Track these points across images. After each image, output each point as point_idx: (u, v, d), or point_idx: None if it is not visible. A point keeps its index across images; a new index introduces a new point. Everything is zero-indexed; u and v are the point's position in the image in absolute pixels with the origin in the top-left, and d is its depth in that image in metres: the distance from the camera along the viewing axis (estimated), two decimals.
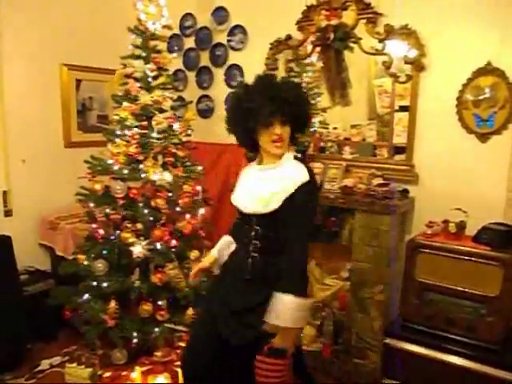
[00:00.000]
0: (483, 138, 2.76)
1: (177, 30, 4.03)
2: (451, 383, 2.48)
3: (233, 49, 3.83)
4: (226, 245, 2.16)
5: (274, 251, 1.89)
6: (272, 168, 1.94)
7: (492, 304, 2.42)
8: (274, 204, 1.83)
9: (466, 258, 2.48)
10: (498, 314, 2.42)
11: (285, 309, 1.76)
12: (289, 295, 1.76)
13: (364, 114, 3.27)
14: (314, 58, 3.38)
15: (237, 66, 3.80)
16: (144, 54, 2.85)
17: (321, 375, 3.04)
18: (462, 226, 2.60)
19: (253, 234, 1.92)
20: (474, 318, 2.48)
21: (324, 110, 3.45)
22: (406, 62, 2.92)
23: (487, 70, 2.69)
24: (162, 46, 2.98)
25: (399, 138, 3.03)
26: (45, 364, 3.06)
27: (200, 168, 3.03)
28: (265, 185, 1.91)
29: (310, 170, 1.90)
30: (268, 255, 1.91)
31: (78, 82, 3.88)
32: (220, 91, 3.91)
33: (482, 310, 2.46)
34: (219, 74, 3.94)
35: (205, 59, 4.01)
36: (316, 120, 3.47)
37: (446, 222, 2.66)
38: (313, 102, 3.42)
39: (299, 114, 1.93)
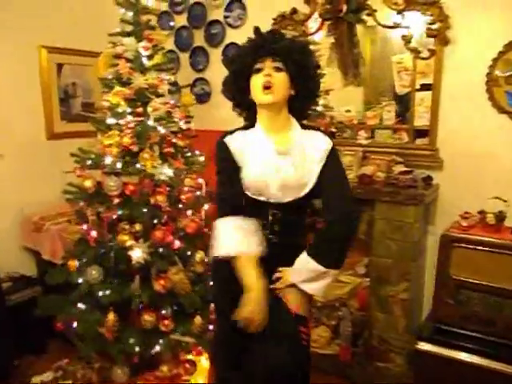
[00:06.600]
0: None
1: (166, 7, 3.72)
2: None
3: (230, 26, 3.56)
4: (252, 233, 1.76)
5: (294, 234, 1.82)
6: (290, 147, 1.77)
7: None
8: (309, 184, 1.75)
9: (507, 252, 2.32)
10: None
11: (319, 279, 1.71)
12: (326, 269, 1.69)
13: (380, 94, 3.05)
14: (319, 34, 3.10)
15: (235, 45, 3.49)
16: (136, 31, 2.53)
17: (339, 380, 2.88)
18: (501, 216, 2.42)
19: (270, 218, 1.78)
20: None
21: (327, 92, 3.16)
22: (429, 36, 2.73)
23: None
24: (155, 21, 2.66)
25: (421, 120, 2.87)
26: (36, 380, 2.78)
27: (202, 159, 2.75)
28: (291, 165, 1.75)
29: (327, 134, 1.85)
30: (287, 238, 1.80)
31: (60, 66, 3.58)
32: (217, 73, 3.55)
33: None
34: (216, 54, 3.66)
35: (199, 39, 3.73)
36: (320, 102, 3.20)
37: (482, 212, 2.47)
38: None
39: (296, 62, 1.70)
